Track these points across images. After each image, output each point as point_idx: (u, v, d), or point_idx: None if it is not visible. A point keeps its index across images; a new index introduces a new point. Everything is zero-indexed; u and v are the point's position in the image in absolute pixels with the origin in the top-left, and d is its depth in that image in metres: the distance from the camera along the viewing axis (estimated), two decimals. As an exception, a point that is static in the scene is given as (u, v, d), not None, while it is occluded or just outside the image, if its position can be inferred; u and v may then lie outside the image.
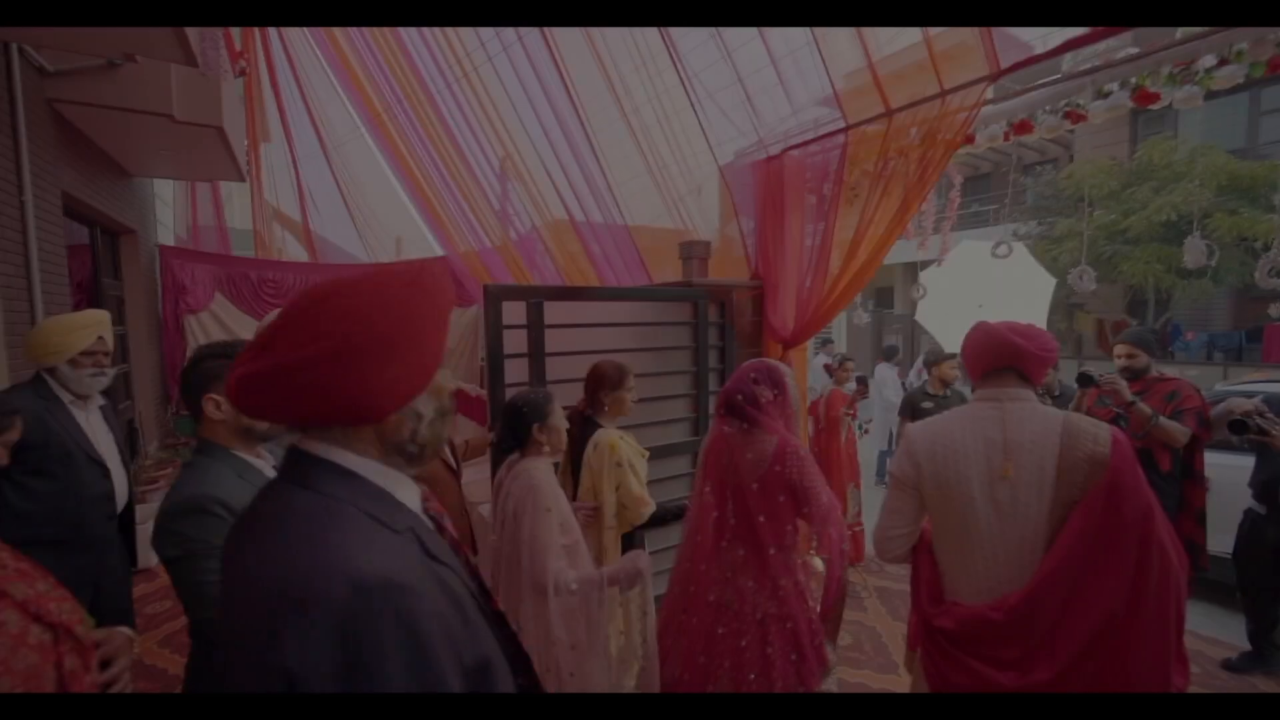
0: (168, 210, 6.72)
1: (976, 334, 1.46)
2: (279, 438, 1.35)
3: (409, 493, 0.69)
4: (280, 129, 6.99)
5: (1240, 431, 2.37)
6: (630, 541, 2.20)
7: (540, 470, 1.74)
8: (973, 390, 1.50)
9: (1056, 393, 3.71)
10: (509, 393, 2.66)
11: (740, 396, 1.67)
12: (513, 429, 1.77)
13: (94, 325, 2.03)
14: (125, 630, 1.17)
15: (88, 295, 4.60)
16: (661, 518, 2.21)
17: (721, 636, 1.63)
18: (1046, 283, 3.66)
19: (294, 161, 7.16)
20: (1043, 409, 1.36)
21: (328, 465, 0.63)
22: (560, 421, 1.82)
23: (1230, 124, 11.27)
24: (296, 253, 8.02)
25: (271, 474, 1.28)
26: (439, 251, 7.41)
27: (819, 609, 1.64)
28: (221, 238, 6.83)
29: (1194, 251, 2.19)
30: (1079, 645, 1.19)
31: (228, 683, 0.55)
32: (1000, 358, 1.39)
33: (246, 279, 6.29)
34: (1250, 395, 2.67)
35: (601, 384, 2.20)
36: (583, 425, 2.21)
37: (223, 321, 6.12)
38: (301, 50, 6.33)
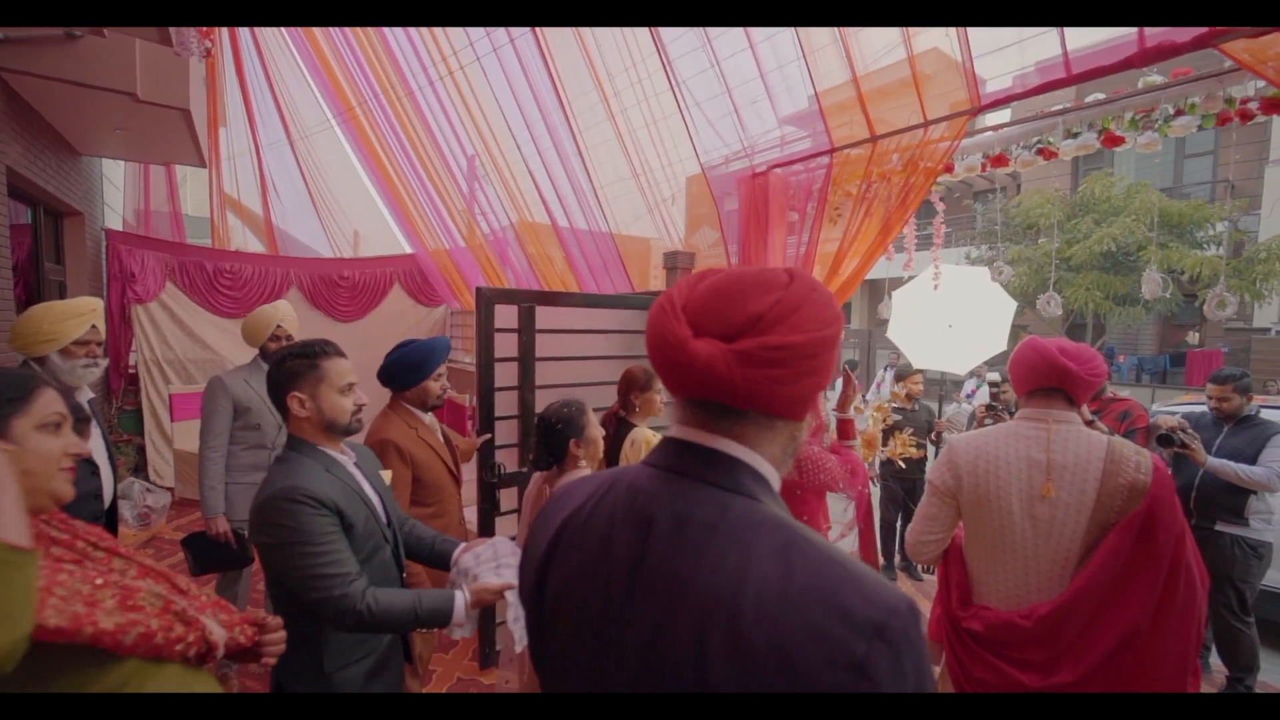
0: (117, 193, 6.32)
1: (1027, 352, 1.48)
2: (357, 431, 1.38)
3: None
4: (244, 115, 6.70)
5: (1167, 444, 2.65)
6: None
7: None
8: (1016, 406, 1.57)
9: (1013, 409, 3.92)
10: (499, 398, 2.64)
11: None
12: (548, 445, 1.74)
13: (88, 313, 1.95)
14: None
15: (26, 280, 4.29)
16: None
17: None
18: (1008, 306, 3.88)
19: (257, 149, 6.87)
20: (1087, 432, 1.41)
21: (749, 469, 0.59)
22: (596, 432, 1.82)
23: (1160, 164, 12.23)
24: (247, 242, 7.66)
25: (353, 469, 1.33)
26: (405, 248, 7.25)
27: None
28: (176, 224, 6.47)
29: (1151, 283, 2.39)
30: (1103, 654, 1.26)
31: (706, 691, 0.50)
32: (1049, 378, 1.43)
33: (201, 269, 5.98)
34: (1172, 414, 2.98)
35: (632, 386, 2.36)
36: (617, 425, 2.34)
37: (174, 313, 5.81)
38: (271, 36, 6.10)
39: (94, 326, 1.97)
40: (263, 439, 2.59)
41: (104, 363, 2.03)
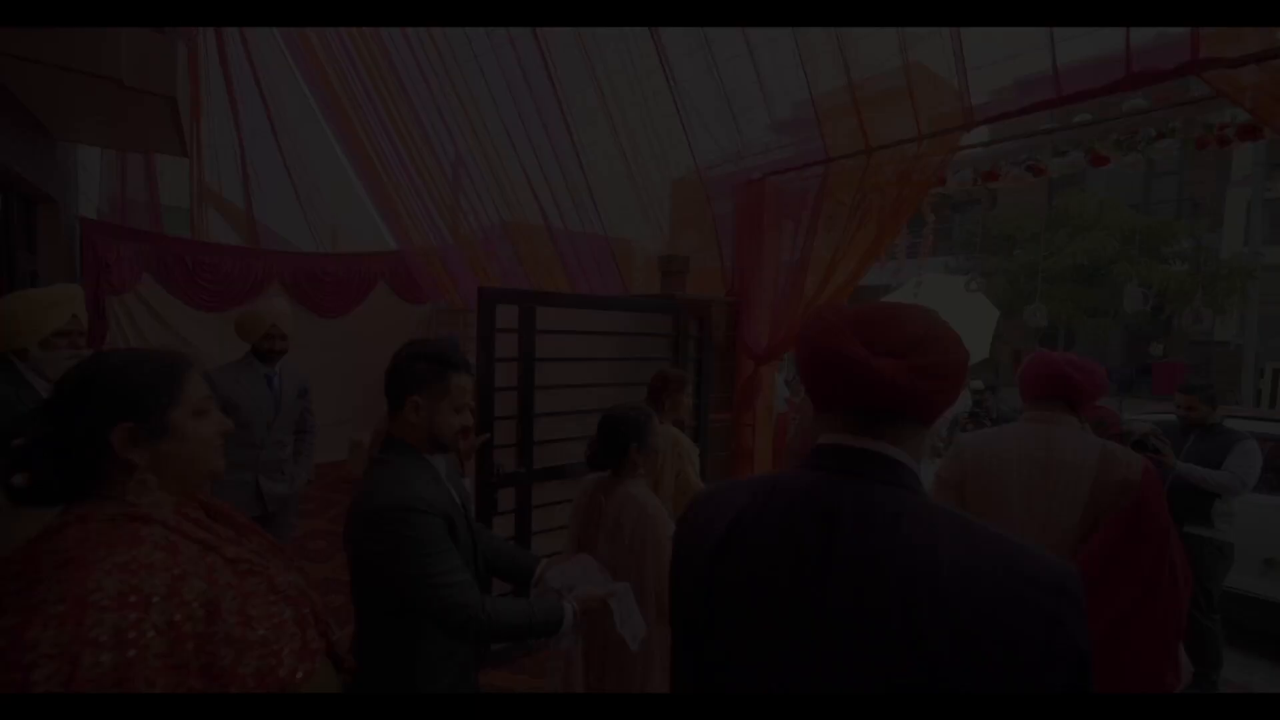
0: (91, 180, 6.12)
1: (1037, 362, 1.62)
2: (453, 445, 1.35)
3: None
4: (226, 104, 6.55)
5: (1140, 450, 2.77)
6: None
7: (649, 497, 1.71)
8: (1022, 409, 1.68)
9: (994, 415, 4.05)
10: (498, 398, 2.64)
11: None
12: (608, 448, 1.70)
13: (66, 302, 1.87)
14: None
15: (-6, 268, 4.14)
16: None
17: None
18: (991, 315, 4.00)
19: (239, 139, 6.71)
20: (1084, 435, 1.53)
21: (908, 470, 0.68)
22: (659, 443, 1.77)
23: (1129, 181, 12.68)
24: (222, 234, 7.46)
25: (445, 479, 1.32)
26: (390, 244, 7.16)
27: None
28: (154, 215, 6.29)
29: (1132, 297, 2.50)
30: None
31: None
32: (1054, 387, 1.56)
33: (181, 261, 5.82)
34: (1144, 421, 3.14)
35: (665, 387, 2.48)
36: None
37: (151, 306, 5.65)
38: (259, 29, 5.97)
39: (75, 316, 1.89)
40: (251, 437, 2.54)
41: (87, 354, 1.97)
